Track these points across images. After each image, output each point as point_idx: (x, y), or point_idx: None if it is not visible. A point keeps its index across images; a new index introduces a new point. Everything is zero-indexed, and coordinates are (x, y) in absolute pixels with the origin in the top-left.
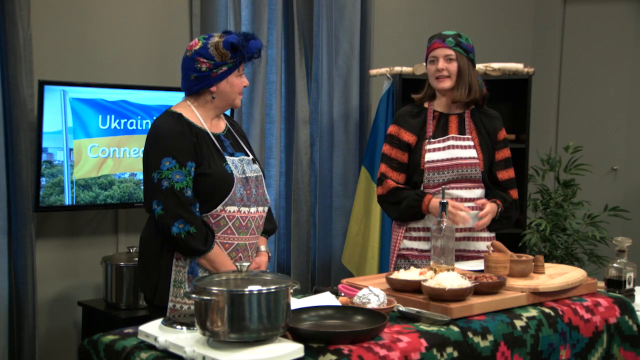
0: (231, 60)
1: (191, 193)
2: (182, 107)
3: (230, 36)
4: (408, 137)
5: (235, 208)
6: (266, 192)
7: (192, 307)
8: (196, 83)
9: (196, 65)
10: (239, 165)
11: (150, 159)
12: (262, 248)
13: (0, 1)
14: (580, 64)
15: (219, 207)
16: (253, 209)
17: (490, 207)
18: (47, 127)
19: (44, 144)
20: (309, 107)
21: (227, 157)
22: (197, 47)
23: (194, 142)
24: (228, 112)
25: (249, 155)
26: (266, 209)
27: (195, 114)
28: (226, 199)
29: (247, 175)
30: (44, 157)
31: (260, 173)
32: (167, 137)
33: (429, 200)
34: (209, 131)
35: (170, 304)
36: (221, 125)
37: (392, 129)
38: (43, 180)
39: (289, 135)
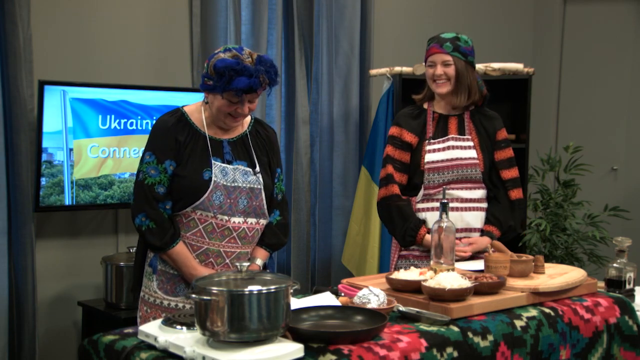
0: (213, 82)
1: (163, 190)
2: (194, 106)
3: (227, 60)
4: (410, 137)
5: (209, 214)
6: (264, 206)
7: (156, 301)
8: (201, 83)
9: (204, 67)
10: (230, 173)
11: (143, 151)
12: (258, 261)
13: (1, 1)
14: (580, 64)
15: (189, 209)
16: (236, 219)
17: (478, 243)
18: (47, 127)
19: (44, 144)
20: (309, 107)
21: (217, 163)
22: (216, 51)
23: (179, 142)
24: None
25: (254, 167)
26: (261, 221)
27: (201, 115)
28: (196, 204)
29: (237, 184)
30: (44, 157)
31: (260, 186)
32: (155, 133)
33: (423, 236)
34: (207, 134)
35: (141, 294)
36: (235, 131)
37: (393, 130)
38: (43, 180)
39: (289, 135)
